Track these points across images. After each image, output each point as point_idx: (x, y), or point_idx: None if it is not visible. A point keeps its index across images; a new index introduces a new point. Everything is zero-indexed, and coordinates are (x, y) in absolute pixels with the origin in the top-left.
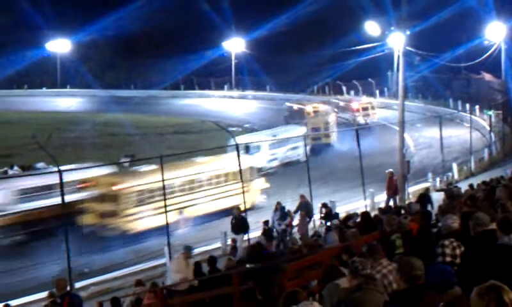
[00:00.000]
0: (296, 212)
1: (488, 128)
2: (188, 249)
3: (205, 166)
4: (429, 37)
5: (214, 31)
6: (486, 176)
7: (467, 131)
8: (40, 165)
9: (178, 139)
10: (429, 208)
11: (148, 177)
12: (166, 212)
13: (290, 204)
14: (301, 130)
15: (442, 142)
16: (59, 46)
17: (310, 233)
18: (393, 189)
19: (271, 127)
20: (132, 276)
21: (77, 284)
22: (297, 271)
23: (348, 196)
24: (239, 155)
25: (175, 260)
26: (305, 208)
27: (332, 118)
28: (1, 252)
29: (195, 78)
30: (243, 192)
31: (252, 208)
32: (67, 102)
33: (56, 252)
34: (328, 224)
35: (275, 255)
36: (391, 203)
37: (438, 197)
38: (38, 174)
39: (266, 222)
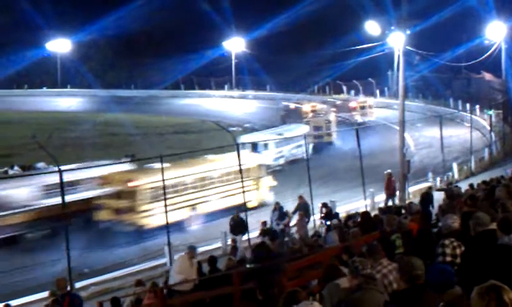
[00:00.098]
0: (294, 212)
1: (488, 127)
2: (192, 249)
3: (216, 164)
4: (429, 36)
5: (214, 30)
6: (486, 176)
7: (467, 131)
8: (40, 165)
9: (179, 139)
10: (429, 207)
11: (161, 174)
12: (166, 212)
13: (291, 205)
14: (304, 129)
15: (442, 141)
16: (60, 46)
17: (310, 233)
18: (392, 190)
19: (271, 127)
20: (132, 276)
21: (78, 284)
22: (297, 271)
23: (348, 196)
24: (239, 155)
25: (179, 260)
26: (304, 209)
27: (332, 117)
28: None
29: (195, 78)
30: (243, 191)
31: (261, 205)
32: (67, 101)
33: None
34: (328, 223)
35: (280, 254)
36: (389, 203)
37: (438, 197)
38: (60, 171)
39: (264, 223)
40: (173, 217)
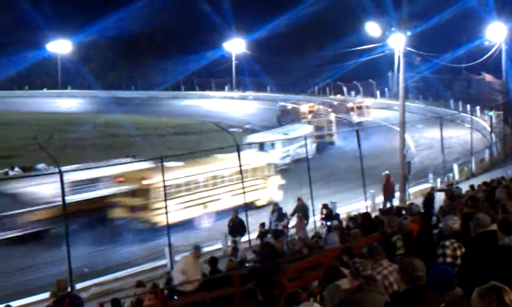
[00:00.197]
0: (292, 214)
1: (489, 129)
2: (198, 249)
3: (226, 163)
4: (429, 38)
5: (215, 31)
6: (486, 177)
7: (468, 132)
8: (41, 166)
9: (179, 140)
10: (432, 208)
11: (175, 172)
12: (166, 212)
13: (291, 206)
14: (307, 129)
15: (443, 143)
16: (60, 47)
17: (310, 234)
18: (391, 191)
19: (271, 128)
20: (133, 277)
21: (78, 285)
22: (298, 272)
23: (349, 197)
24: (239, 155)
25: (183, 259)
26: (302, 211)
27: (333, 117)
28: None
29: (196, 79)
30: (244, 190)
31: (270, 204)
32: (68, 102)
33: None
34: (328, 224)
35: (284, 253)
36: (388, 205)
37: (438, 198)
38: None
39: (263, 224)
40: (186, 215)
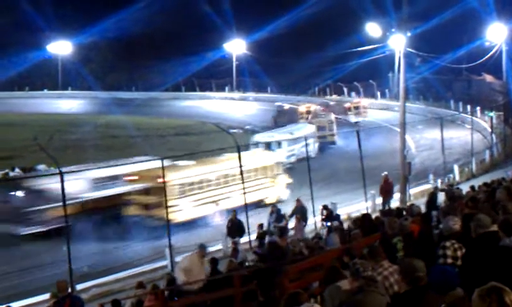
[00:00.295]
0: (291, 215)
1: (489, 129)
2: (203, 248)
3: (236, 162)
4: (430, 38)
5: (215, 32)
6: (487, 178)
7: (468, 132)
8: (41, 167)
9: (179, 141)
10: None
11: (187, 171)
12: (167, 212)
13: (291, 206)
14: (310, 129)
15: (443, 143)
16: (61, 48)
17: (309, 235)
18: (390, 192)
19: (272, 128)
20: (133, 278)
21: (79, 286)
22: (298, 273)
23: (349, 198)
24: (240, 156)
25: (187, 258)
26: (300, 212)
27: (333, 117)
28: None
29: (196, 80)
30: (245, 191)
31: (278, 202)
32: (68, 103)
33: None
34: (328, 224)
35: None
36: (387, 205)
37: (440, 198)
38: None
39: (261, 226)
40: (198, 213)
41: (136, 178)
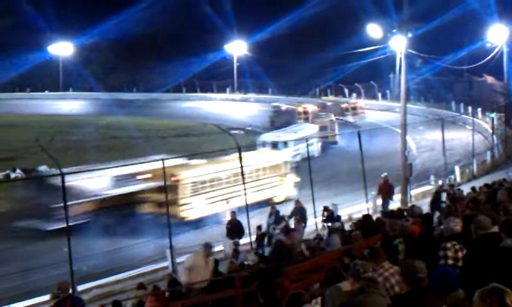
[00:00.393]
0: (290, 217)
1: (490, 130)
2: (208, 247)
3: (246, 161)
4: (431, 39)
5: (216, 33)
6: (488, 179)
7: (469, 134)
8: (42, 168)
9: (180, 142)
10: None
11: (199, 169)
12: (167, 212)
13: (291, 206)
14: (314, 128)
15: (444, 145)
16: (62, 49)
17: (311, 236)
18: (390, 193)
19: (269, 129)
20: (134, 279)
21: (80, 287)
22: (299, 274)
23: (350, 199)
24: (240, 156)
25: (193, 256)
26: (300, 214)
27: (334, 117)
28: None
29: (197, 81)
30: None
31: (286, 200)
32: (69, 105)
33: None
34: (329, 224)
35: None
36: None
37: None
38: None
39: (259, 227)
40: (210, 210)
41: (149, 176)
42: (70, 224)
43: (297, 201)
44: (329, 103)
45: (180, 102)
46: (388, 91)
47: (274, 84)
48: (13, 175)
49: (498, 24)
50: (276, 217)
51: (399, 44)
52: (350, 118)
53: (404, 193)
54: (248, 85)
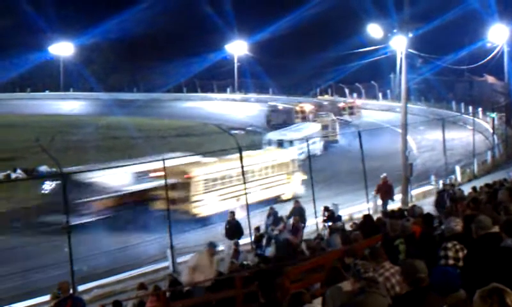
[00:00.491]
0: (289, 217)
1: (491, 130)
2: (212, 246)
3: (255, 159)
4: (431, 39)
5: (217, 33)
6: (489, 179)
7: (470, 133)
8: (43, 168)
9: (181, 142)
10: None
11: (210, 167)
12: (168, 213)
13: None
14: (317, 127)
15: (445, 144)
16: (62, 49)
17: (312, 236)
18: (390, 193)
19: (269, 129)
20: (135, 279)
21: (80, 287)
22: (300, 274)
23: (351, 199)
24: (241, 157)
25: (197, 256)
26: (299, 214)
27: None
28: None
29: (198, 81)
30: (246, 189)
31: (293, 198)
32: (70, 105)
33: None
34: (329, 224)
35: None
36: (389, 206)
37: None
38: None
39: (258, 228)
40: (221, 207)
41: (162, 173)
42: (91, 219)
43: (297, 201)
44: (325, 103)
45: (180, 102)
46: (388, 91)
47: (275, 84)
48: (13, 175)
49: (499, 24)
50: (275, 218)
51: (400, 44)
52: (347, 117)
53: (405, 193)
54: (249, 85)
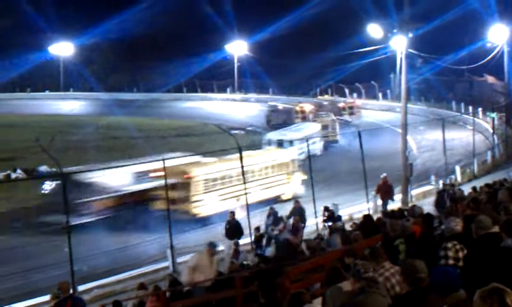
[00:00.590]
0: (289, 217)
1: (491, 130)
2: (212, 246)
3: (255, 159)
4: (431, 39)
5: (217, 33)
6: (489, 179)
7: (470, 133)
8: (43, 168)
9: (181, 142)
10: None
11: (210, 167)
12: (168, 213)
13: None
14: (317, 127)
15: (445, 144)
16: (62, 49)
17: (312, 236)
18: (390, 193)
19: (269, 129)
20: (135, 279)
21: (80, 287)
22: (300, 274)
23: (351, 199)
24: (241, 157)
25: (197, 256)
26: (299, 214)
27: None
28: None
29: (198, 81)
30: (246, 189)
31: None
32: (70, 105)
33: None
34: (330, 224)
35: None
36: (389, 206)
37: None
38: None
39: (258, 228)
40: (221, 207)
41: (162, 173)
42: (92, 219)
43: (297, 201)
44: (325, 103)
45: (180, 102)
46: (388, 91)
47: (275, 84)
48: (13, 175)
49: (499, 24)
50: (275, 218)
51: (400, 44)
52: (347, 117)
53: (405, 193)
54: (249, 85)
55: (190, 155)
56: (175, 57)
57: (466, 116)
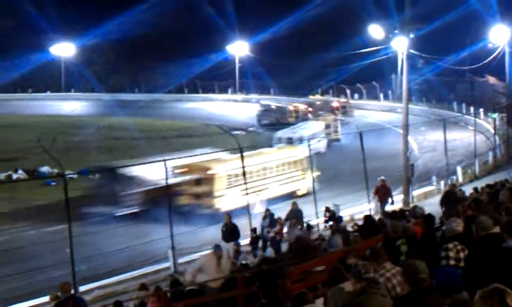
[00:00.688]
0: (286, 219)
1: (492, 131)
2: (218, 248)
3: (272, 156)
4: (433, 40)
5: (218, 34)
6: (490, 179)
7: (471, 134)
8: (44, 168)
9: (182, 143)
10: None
11: (232, 163)
12: (169, 213)
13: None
14: (321, 125)
15: (446, 145)
16: (64, 50)
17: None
18: (386, 195)
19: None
20: (136, 280)
21: (81, 288)
22: (301, 274)
23: (352, 200)
24: (242, 157)
25: (204, 257)
26: (296, 216)
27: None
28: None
29: (199, 82)
30: (247, 189)
31: (308, 194)
32: (71, 105)
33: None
34: (330, 223)
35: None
36: (387, 207)
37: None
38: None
39: (254, 230)
40: (243, 202)
41: (186, 169)
42: (134, 210)
43: (294, 203)
44: (318, 103)
45: (182, 103)
46: (390, 92)
47: (276, 84)
48: (15, 176)
49: (500, 25)
50: (271, 220)
51: (401, 45)
52: (340, 117)
53: (406, 194)
54: (250, 86)
55: (213, 152)
56: (177, 58)
57: (468, 117)
